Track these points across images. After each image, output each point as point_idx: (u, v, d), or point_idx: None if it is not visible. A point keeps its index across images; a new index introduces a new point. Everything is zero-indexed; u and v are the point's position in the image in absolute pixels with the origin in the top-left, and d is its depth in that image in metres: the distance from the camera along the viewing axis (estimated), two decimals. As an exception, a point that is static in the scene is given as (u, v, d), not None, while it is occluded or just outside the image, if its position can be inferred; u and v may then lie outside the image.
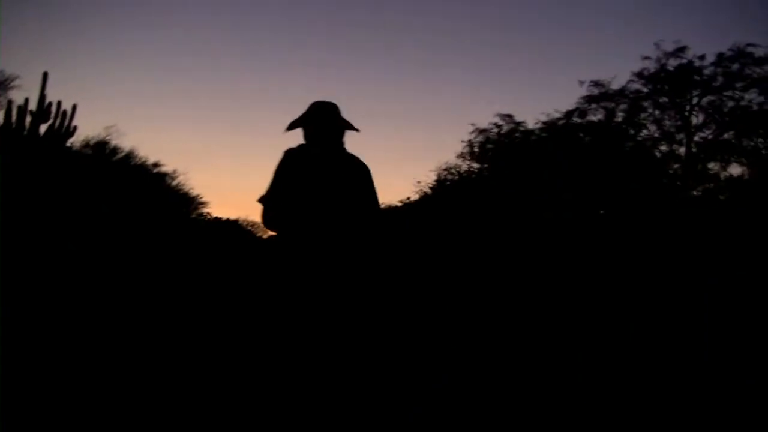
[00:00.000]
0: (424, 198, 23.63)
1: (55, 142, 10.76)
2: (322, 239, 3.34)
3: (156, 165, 22.96)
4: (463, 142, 20.55)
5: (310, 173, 3.36)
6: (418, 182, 24.92)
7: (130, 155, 20.37)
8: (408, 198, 25.86)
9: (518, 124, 17.08)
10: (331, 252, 3.34)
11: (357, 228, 3.43)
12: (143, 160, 21.63)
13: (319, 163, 3.38)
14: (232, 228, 39.78)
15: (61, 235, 11.20)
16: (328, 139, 3.43)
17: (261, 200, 3.45)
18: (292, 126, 3.48)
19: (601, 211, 15.40)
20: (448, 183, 23.29)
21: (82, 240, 12.01)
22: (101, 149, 18.68)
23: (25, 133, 10.45)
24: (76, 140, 18.94)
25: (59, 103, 10.76)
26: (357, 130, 3.56)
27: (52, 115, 10.62)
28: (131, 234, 15.53)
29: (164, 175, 23.51)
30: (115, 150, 19.49)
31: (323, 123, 3.42)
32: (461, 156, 20.72)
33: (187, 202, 27.63)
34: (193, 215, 28.90)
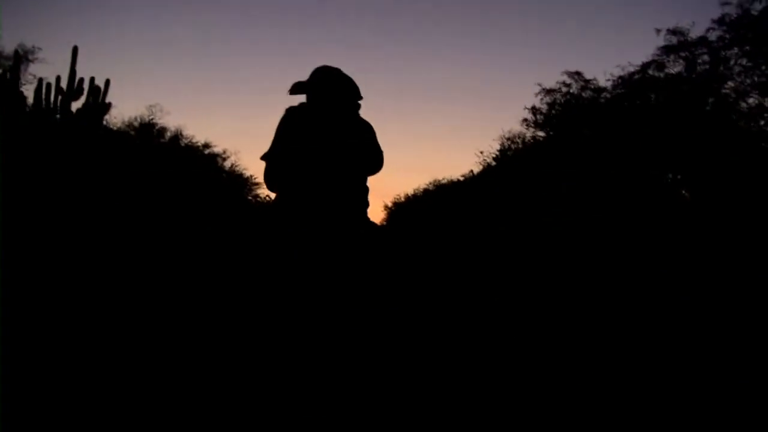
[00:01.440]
0: (487, 170, 22.49)
1: (89, 120, 10.06)
2: (321, 207, 3.29)
3: (206, 146, 21.99)
4: (526, 108, 19.22)
5: (311, 132, 3.33)
6: (481, 152, 23.80)
7: (178, 136, 19.64)
8: (471, 171, 24.74)
9: (588, 81, 15.58)
10: (330, 223, 3.29)
11: (357, 195, 3.42)
12: (193, 141, 20.82)
13: (321, 121, 3.37)
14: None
15: (107, 219, 10.63)
16: (332, 107, 3.41)
17: (264, 158, 3.40)
18: (296, 90, 3.47)
19: (684, 192, 14.01)
20: (510, 153, 22.10)
21: (130, 224, 11.45)
22: (147, 130, 17.97)
23: (58, 112, 9.79)
24: (117, 120, 18.24)
25: (92, 79, 10.04)
26: (360, 98, 3.54)
27: (85, 91, 9.93)
28: (188, 217, 14.95)
29: (215, 156, 22.68)
30: (162, 130, 18.81)
31: (327, 93, 3.42)
32: (525, 122, 19.41)
33: (242, 184, 26.94)
34: (249, 197, 28.30)
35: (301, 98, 3.50)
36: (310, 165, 3.29)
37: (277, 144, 3.36)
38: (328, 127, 3.35)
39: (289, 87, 3.51)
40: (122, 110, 34.31)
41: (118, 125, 17.61)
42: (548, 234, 15.14)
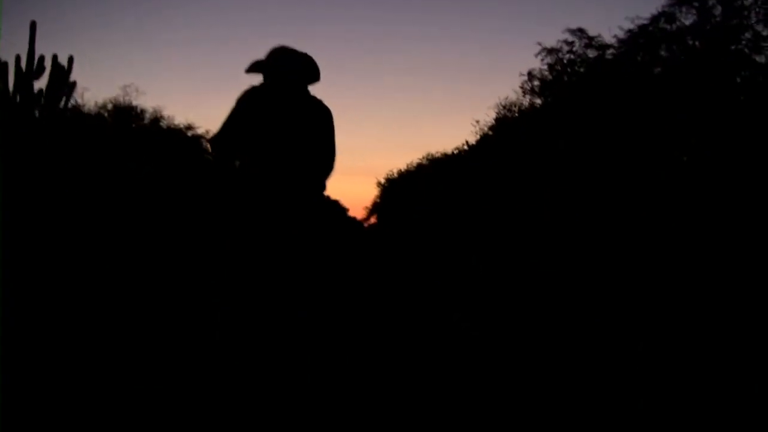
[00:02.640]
0: (483, 140, 21.54)
1: (54, 101, 9.15)
2: (273, 185, 3.23)
3: (189, 127, 20.53)
4: (522, 74, 18.24)
5: (269, 115, 3.30)
6: (477, 122, 22.78)
7: (158, 118, 18.50)
8: (465, 142, 23.76)
9: (592, 38, 14.47)
10: (282, 200, 3.23)
11: (309, 176, 3.36)
12: (174, 122, 19.58)
13: (280, 104, 3.33)
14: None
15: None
16: (289, 86, 3.38)
17: (211, 141, 3.43)
18: (252, 68, 3.45)
19: (684, 158, 13.07)
20: (507, 122, 21.22)
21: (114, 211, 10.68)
22: (124, 112, 16.86)
23: (18, 95, 8.88)
24: (90, 102, 17.01)
25: (55, 57, 9.12)
26: (317, 78, 3.46)
27: (47, 70, 9.02)
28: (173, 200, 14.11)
29: (199, 137, 21.38)
30: (141, 113, 17.66)
31: (283, 70, 3.38)
32: (522, 89, 18.47)
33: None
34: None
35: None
36: (261, 149, 3.27)
37: (231, 124, 3.31)
38: (282, 111, 3.32)
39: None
40: (95, 93, 32.72)
41: (91, 108, 16.47)
42: (543, 216, 14.41)
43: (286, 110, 3.31)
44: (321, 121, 3.43)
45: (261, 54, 3.34)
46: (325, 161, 3.43)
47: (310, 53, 3.43)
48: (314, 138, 3.37)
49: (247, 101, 3.31)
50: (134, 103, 17.64)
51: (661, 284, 6.66)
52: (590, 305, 5.73)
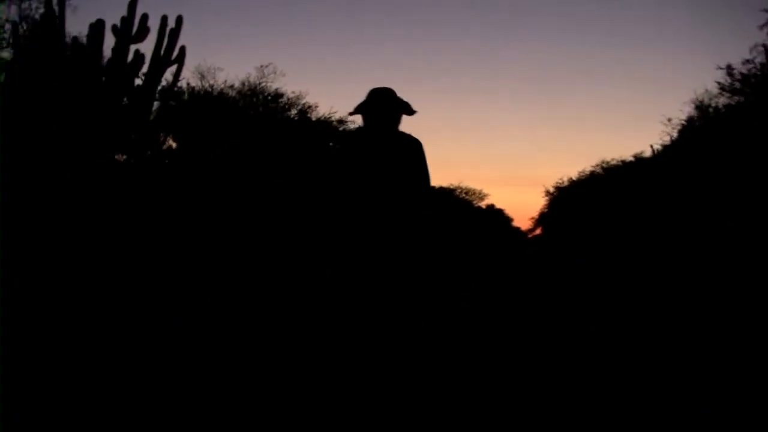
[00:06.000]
0: (674, 144, 18.47)
1: (159, 69, 8.02)
2: (377, 223, 3.89)
3: (341, 122, 18.57)
4: (720, 68, 15.27)
5: (363, 157, 3.99)
6: (668, 120, 19.41)
7: (306, 110, 16.65)
8: (650, 146, 20.53)
9: None
10: (386, 236, 3.87)
11: (409, 210, 3.97)
12: (327, 115, 17.57)
13: (372, 146, 4.02)
14: (446, 197, 37.13)
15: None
16: (383, 124, 4.02)
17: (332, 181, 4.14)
18: (355, 111, 4.05)
19: None
20: (698, 125, 18.18)
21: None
22: (272, 101, 15.29)
23: (119, 61, 7.84)
24: (224, 84, 15.41)
25: (164, 19, 8.03)
26: (414, 112, 4.08)
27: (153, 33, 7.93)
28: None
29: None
30: (288, 100, 15.95)
31: (378, 109, 3.99)
32: (719, 84, 15.56)
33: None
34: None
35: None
36: (364, 193, 3.94)
37: (338, 169, 4.09)
38: (379, 152, 3.98)
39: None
40: (228, 73, 31.45)
41: (224, 90, 15.12)
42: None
43: (378, 152, 3.98)
44: (412, 155, 4.05)
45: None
46: (419, 184, 4.03)
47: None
48: (404, 168, 3.99)
49: (346, 148, 4.28)
50: (274, 86, 16.23)
51: None
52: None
